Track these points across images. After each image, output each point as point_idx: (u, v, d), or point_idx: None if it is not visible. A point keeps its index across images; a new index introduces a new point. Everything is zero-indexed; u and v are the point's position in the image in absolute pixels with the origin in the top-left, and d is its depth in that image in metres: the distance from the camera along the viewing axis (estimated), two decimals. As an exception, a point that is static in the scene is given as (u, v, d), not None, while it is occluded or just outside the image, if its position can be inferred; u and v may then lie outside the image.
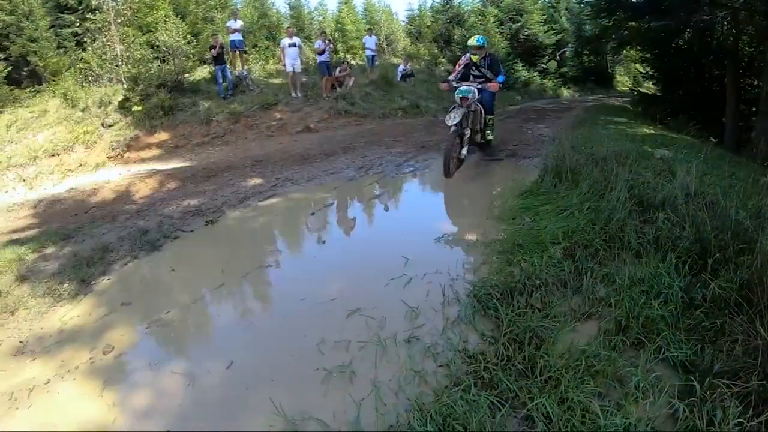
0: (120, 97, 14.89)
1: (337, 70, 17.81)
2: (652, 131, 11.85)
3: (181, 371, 3.78)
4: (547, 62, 33.55)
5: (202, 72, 17.93)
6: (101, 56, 17.04)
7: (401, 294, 4.31)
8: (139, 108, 14.22)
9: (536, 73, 32.30)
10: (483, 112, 8.46)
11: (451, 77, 8.53)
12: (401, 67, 20.91)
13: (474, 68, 8.59)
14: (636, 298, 3.53)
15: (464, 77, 8.63)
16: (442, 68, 26.80)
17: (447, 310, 3.99)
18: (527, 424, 2.65)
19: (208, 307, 4.81)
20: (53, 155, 12.68)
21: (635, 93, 23.63)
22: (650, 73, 22.57)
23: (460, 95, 8.04)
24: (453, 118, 7.75)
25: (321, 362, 3.54)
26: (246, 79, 17.11)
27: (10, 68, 16.92)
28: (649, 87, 24.40)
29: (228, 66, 16.66)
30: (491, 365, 3.10)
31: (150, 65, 15.99)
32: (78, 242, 7.14)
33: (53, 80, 17.02)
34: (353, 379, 3.31)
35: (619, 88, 36.78)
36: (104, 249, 6.55)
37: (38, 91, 16.81)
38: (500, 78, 8.25)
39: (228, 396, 3.40)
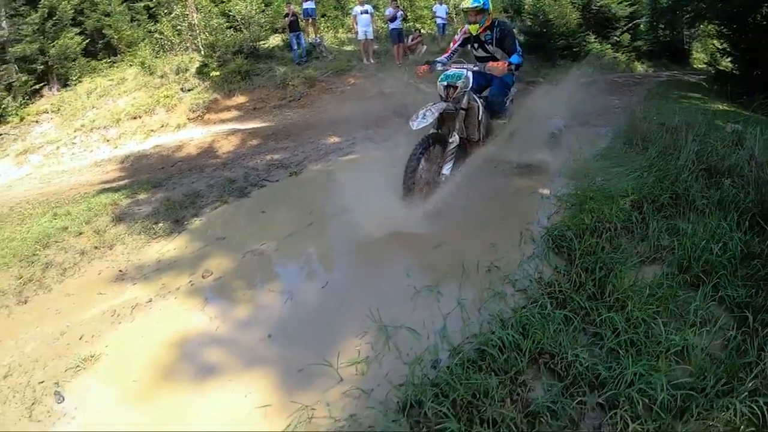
0: (197, 64, 15.14)
1: (409, 38, 17.50)
2: (726, 108, 11.38)
3: (279, 290, 4.13)
4: (620, 35, 32.17)
5: (275, 40, 17.95)
6: (176, 26, 17.12)
7: (480, 234, 4.66)
8: (217, 73, 14.43)
9: (609, 46, 31.00)
10: (482, 110, 5.58)
11: (441, 57, 5.83)
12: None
13: (476, 44, 5.87)
14: (698, 243, 3.70)
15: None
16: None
17: (523, 248, 4.29)
18: (595, 339, 2.92)
19: (299, 240, 5.19)
20: (135, 118, 12.99)
21: (712, 70, 22.31)
22: (727, 49, 21.20)
23: (445, 82, 5.31)
24: (422, 118, 4.99)
25: (409, 284, 3.90)
26: (319, 46, 17.02)
27: (87, 41, 17.20)
28: (726, 65, 23.01)
29: (302, 33, 16.49)
30: (564, 289, 3.39)
31: (226, 33, 16.05)
32: (168, 189, 7.48)
33: (128, 51, 17.39)
34: (439, 297, 3.66)
35: (695, 65, 34.95)
36: (195, 195, 6.90)
37: (114, 62, 17.21)
38: (514, 58, 5.43)
39: (324, 308, 3.80)
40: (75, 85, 15.42)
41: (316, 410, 2.79)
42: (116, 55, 17.78)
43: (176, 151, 10.56)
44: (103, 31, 17.84)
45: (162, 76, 14.65)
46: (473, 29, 5.76)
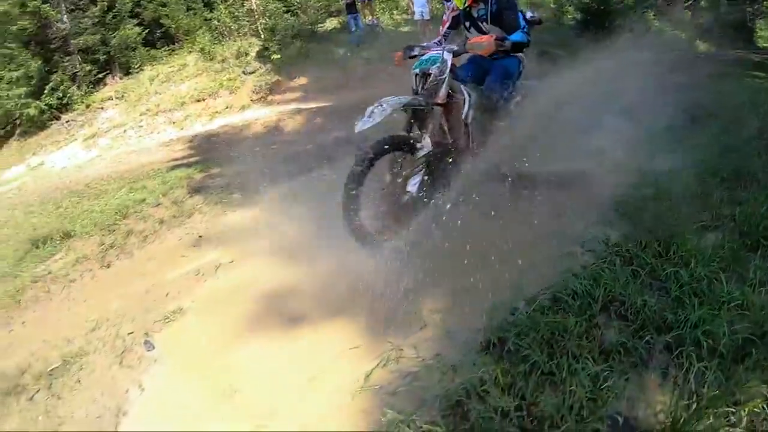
0: (256, 48, 15.22)
1: (468, 18, 17.07)
2: (793, 88, 10.67)
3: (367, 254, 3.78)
4: (681, 12, 31.07)
5: (332, 23, 17.83)
6: (233, 13, 17.22)
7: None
8: (278, 56, 14.43)
9: (667, 24, 29.95)
10: (471, 106, 4.25)
11: (430, 43, 4.55)
12: (528, 15, 19.79)
13: (467, 23, 4.57)
14: (757, 211, 3.67)
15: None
16: (569, 16, 25.26)
17: (588, 215, 4.11)
18: (660, 292, 2.95)
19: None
20: (199, 101, 13.16)
21: (779, 48, 21.24)
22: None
23: (417, 69, 4.02)
24: (367, 117, 3.62)
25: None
26: (376, 28, 16.77)
27: (146, 31, 17.50)
28: (795, 43, 21.87)
29: (359, 15, 16.33)
30: (631, 248, 3.38)
31: (283, 17, 16.09)
32: (240, 164, 7.38)
33: (186, 39, 17.71)
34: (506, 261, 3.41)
35: (759, 44, 33.44)
36: (267, 168, 6.73)
37: (173, 50, 17.62)
38: (515, 36, 4.23)
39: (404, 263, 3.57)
40: (137, 73, 15.83)
41: (403, 350, 2.85)
42: (174, 44, 18.15)
43: (243, 130, 10.58)
44: (161, 21, 18.24)
45: (222, 61, 14.80)
46: (459, 2, 4.51)
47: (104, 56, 16.20)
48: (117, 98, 14.02)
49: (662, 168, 4.70)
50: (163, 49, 17.76)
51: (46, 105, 14.90)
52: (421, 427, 2.29)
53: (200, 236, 5.10)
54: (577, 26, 14.25)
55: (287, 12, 17.28)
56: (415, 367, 2.72)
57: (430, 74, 3.91)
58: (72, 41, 15.86)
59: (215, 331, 3.39)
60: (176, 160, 8.93)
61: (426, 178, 3.95)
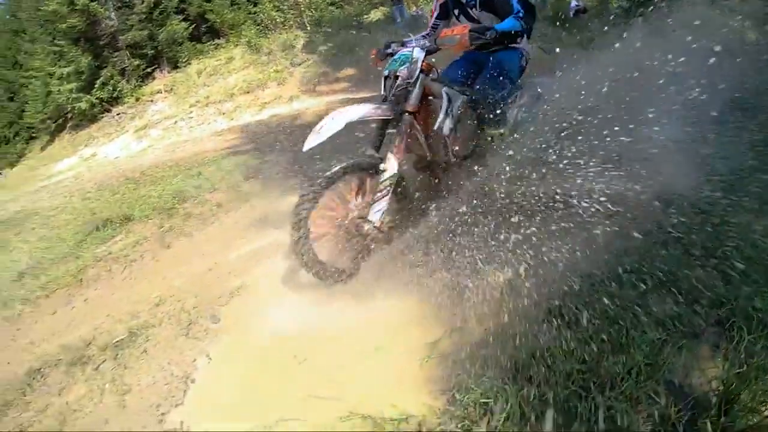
0: (302, 40, 15.21)
1: (538, 8, 16.78)
2: None
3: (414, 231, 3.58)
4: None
5: (377, 14, 17.76)
6: (278, 7, 17.32)
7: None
8: (325, 47, 14.44)
9: (717, 10, 28.96)
10: (453, 112, 3.49)
11: (417, 36, 3.96)
12: (573, 4, 19.38)
13: (456, 10, 3.91)
14: None
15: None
16: (615, 5, 24.65)
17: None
18: (714, 271, 2.84)
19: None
20: (247, 92, 13.20)
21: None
22: None
23: (386, 71, 3.41)
24: (316, 134, 3.16)
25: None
26: (421, 18, 16.62)
27: (192, 26, 17.73)
28: None
29: (404, 5, 16.27)
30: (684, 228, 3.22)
31: (328, 9, 16.09)
32: (295, 151, 7.23)
33: (231, 33, 17.95)
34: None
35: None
36: (321, 155, 6.38)
37: (219, 44, 17.94)
38: (504, 23, 3.46)
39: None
40: (184, 66, 16.09)
41: (468, 321, 2.82)
42: (219, 38, 18.48)
43: (294, 119, 10.47)
44: (206, 16, 18.54)
45: (269, 54, 14.83)
46: None
47: (152, 51, 16.57)
48: (166, 91, 14.25)
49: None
50: (208, 43, 18.07)
51: (96, 99, 15.27)
52: (490, 389, 2.28)
53: (259, 219, 5.05)
54: (623, 13, 13.84)
55: (332, 4, 17.37)
56: (481, 337, 2.67)
57: (397, 73, 3.32)
58: (120, 37, 16.22)
59: (280, 305, 3.40)
60: (229, 148, 8.89)
61: (391, 205, 3.37)
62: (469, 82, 3.84)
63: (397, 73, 3.29)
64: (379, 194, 3.26)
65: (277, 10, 17.35)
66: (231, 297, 3.63)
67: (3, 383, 3.40)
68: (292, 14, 17.12)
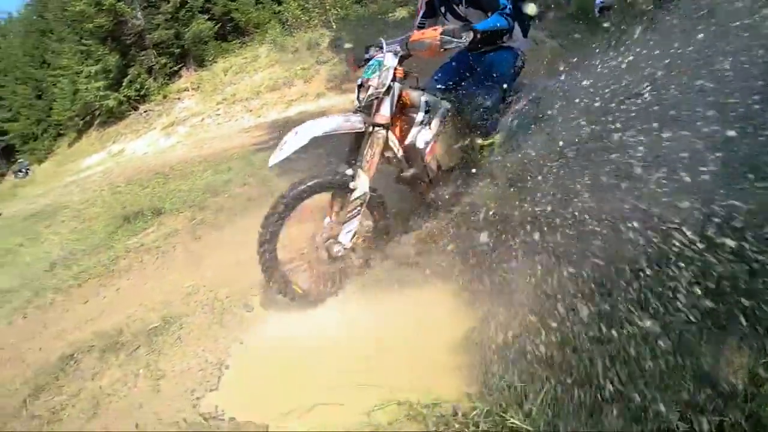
0: (327, 39, 15.10)
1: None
2: None
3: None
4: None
5: (402, 12, 17.75)
6: (303, 5, 17.41)
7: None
8: (351, 45, 14.15)
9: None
10: (424, 122, 3.26)
11: (398, 38, 3.47)
12: (599, 0, 19.19)
13: (442, 7, 3.51)
14: None
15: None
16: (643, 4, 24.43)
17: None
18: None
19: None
20: (274, 90, 13.24)
21: None
22: None
23: (360, 79, 3.18)
24: (279, 150, 2.96)
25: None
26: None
27: (217, 26, 17.87)
28: None
29: (429, 3, 16.33)
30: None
31: (355, 7, 16.24)
32: (324, 147, 7.13)
33: (256, 31, 18.10)
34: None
35: None
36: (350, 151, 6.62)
37: (244, 42, 18.04)
38: (486, 22, 3.12)
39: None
40: (210, 65, 16.16)
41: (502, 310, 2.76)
42: (245, 36, 18.57)
43: (321, 116, 10.49)
44: (231, 15, 18.61)
45: (294, 52, 14.86)
46: None
47: (178, 50, 16.69)
48: (193, 89, 14.36)
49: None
50: (234, 42, 18.13)
51: (124, 96, 15.41)
52: (524, 375, 2.29)
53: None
54: (649, 11, 13.71)
55: (357, 2, 17.38)
56: (517, 326, 2.59)
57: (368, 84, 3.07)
58: (147, 36, 16.40)
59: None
60: (257, 144, 8.90)
61: (363, 226, 3.19)
62: (458, 87, 3.50)
63: (369, 82, 3.02)
64: (349, 214, 3.06)
65: (302, 9, 17.39)
66: (263, 287, 3.52)
67: (35, 368, 3.43)
68: (317, 13, 17.13)
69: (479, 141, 3.35)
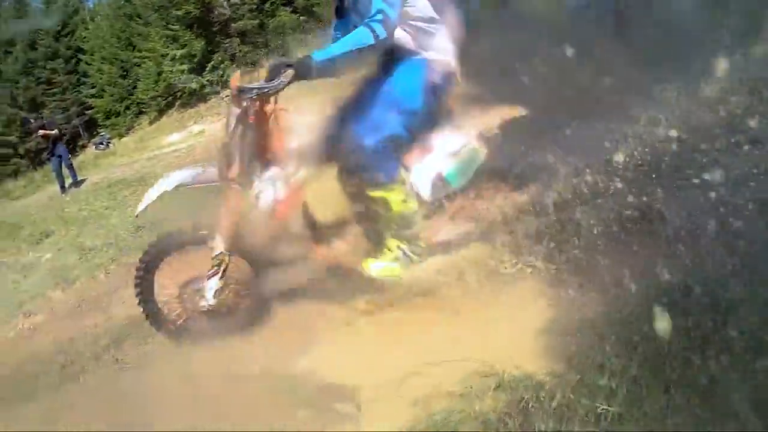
0: (409, 35, 15.19)
1: None
2: None
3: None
4: None
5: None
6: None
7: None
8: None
9: None
10: (275, 183, 2.73)
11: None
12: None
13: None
14: None
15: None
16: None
17: None
18: None
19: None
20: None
21: None
22: None
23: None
24: (146, 197, 2.90)
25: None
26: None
27: (300, 18, 18.30)
28: None
29: None
30: None
31: None
32: None
33: None
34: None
35: None
36: None
37: (324, 36, 17.89)
38: (341, 43, 2.44)
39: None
40: (292, 55, 16.30)
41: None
42: (326, 29, 18.56)
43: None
44: (313, 9, 18.82)
45: (376, 46, 14.94)
46: None
47: (261, 39, 17.05)
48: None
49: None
50: (314, 34, 18.35)
51: (207, 81, 15.90)
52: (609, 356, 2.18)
53: None
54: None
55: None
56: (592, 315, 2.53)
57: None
58: (232, 25, 16.84)
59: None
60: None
61: (223, 284, 2.93)
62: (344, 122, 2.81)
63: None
64: (210, 272, 2.85)
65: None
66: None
67: (118, 320, 3.73)
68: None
69: (373, 189, 2.69)
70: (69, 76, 24.32)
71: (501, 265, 3.04)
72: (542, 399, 2.12)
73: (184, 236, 2.95)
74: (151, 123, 19.77)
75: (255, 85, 2.44)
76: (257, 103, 2.55)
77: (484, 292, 3.02)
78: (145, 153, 14.48)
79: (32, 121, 13.49)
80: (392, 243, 2.80)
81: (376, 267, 2.81)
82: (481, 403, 2.22)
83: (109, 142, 19.84)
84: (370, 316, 3.09)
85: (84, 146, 23.06)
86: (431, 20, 2.69)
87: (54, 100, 23.54)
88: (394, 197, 2.68)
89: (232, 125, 2.61)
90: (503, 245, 3.16)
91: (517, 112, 2.97)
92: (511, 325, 2.69)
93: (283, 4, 18.21)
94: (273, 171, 2.72)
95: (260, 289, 3.06)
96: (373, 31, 2.38)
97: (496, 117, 2.99)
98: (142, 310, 3.04)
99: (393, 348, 2.76)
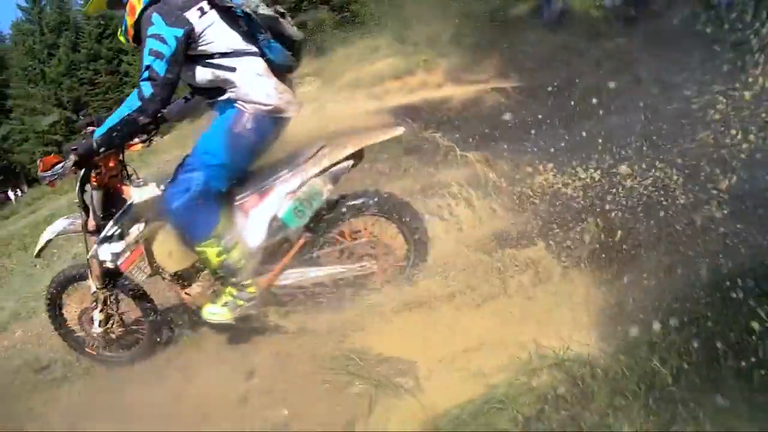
0: (448, 33, 15.16)
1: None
2: None
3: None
4: None
5: (522, 7, 17.66)
6: (422, -1, 17.75)
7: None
8: (470, 41, 14.56)
9: None
10: (103, 240, 3.10)
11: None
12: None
13: None
14: None
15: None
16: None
17: None
18: None
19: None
20: (396, 78, 13.23)
21: None
22: None
23: None
24: (42, 235, 3.35)
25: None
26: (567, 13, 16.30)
27: (337, 16, 18.44)
28: None
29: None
30: None
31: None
32: (447, 131, 7.48)
33: (376, 24, 18.51)
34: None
35: None
36: (474, 134, 7.20)
37: (363, 33, 18.42)
38: (111, 118, 2.70)
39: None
40: (329, 53, 16.52)
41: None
42: (363, 27, 19.17)
43: (442, 103, 10.85)
44: (350, 7, 19.02)
45: (415, 45, 15.20)
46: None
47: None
48: (313, 75, 14.84)
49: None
50: (352, 32, 18.58)
51: (246, 78, 16.32)
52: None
53: (419, 186, 5.58)
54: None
55: (477, -1, 17.49)
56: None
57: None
58: (272, 21, 17.20)
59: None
60: (384, 126, 9.25)
61: (104, 316, 3.27)
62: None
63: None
64: (92, 305, 3.29)
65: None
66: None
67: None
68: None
69: (199, 248, 2.89)
70: (111, 76, 24.94)
71: (557, 259, 3.37)
72: (596, 376, 2.27)
73: (81, 270, 3.28)
74: (192, 121, 19.88)
75: (47, 173, 2.72)
76: (99, 164, 2.91)
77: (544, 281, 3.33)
78: (185, 151, 14.54)
79: (81, 117, 13.93)
80: (226, 290, 3.01)
81: (209, 311, 3.05)
82: (539, 380, 2.41)
83: (152, 140, 20.21)
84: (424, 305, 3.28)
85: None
86: (240, 53, 2.85)
87: (97, 100, 24.17)
88: (210, 251, 2.83)
89: (77, 186, 2.98)
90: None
91: (394, 133, 3.27)
92: (567, 309, 2.92)
93: (321, 2, 18.46)
94: (108, 227, 3.01)
95: (149, 319, 3.38)
96: (140, 91, 2.52)
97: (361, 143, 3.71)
98: (59, 335, 3.47)
99: (448, 329, 2.90)
